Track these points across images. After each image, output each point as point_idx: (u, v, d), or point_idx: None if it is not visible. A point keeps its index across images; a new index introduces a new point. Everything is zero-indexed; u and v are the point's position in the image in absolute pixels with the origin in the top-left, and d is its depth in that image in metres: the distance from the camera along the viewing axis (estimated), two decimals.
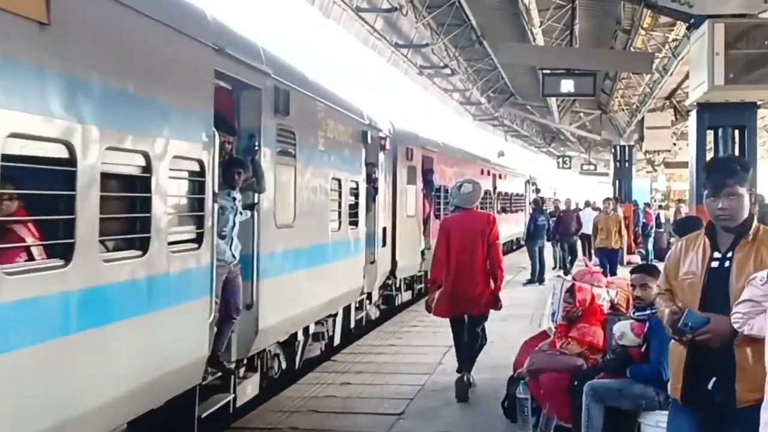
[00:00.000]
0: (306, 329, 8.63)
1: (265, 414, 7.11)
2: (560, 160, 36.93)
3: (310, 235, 8.13)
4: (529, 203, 26.91)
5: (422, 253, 14.95)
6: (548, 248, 19.59)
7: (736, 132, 7.33)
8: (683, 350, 3.56)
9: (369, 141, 10.69)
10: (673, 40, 14.50)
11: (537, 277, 17.36)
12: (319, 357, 9.49)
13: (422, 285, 15.20)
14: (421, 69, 20.02)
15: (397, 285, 13.89)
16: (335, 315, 9.79)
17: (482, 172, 21.44)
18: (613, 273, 13.87)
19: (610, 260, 15.33)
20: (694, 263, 3.56)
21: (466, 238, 7.49)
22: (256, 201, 6.74)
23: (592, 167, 38.00)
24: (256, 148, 6.64)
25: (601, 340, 6.10)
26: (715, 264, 3.50)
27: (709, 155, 7.67)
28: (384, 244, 12.26)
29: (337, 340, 9.94)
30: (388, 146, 12.07)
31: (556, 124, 25.78)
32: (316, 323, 8.99)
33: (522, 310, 12.33)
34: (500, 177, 25.15)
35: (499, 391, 6.86)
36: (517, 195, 29.40)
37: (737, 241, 3.49)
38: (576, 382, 5.60)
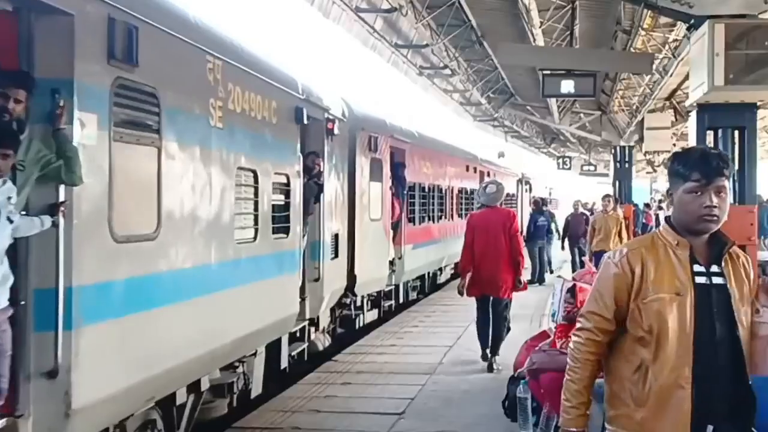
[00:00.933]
0: (195, 385, 5.99)
1: (266, 414, 7.13)
2: (560, 160, 36.94)
3: (193, 250, 5.66)
4: (529, 203, 26.12)
5: (392, 263, 12.76)
6: (557, 248, 19.42)
7: (736, 133, 7.33)
8: (684, 395, 2.71)
9: (306, 122, 8.05)
10: (673, 41, 14.51)
11: (537, 277, 17.38)
12: (320, 356, 9.48)
13: (393, 301, 13.29)
14: (420, 69, 20.02)
15: (358, 303, 11.24)
16: (256, 354, 7.35)
17: (468, 169, 19.77)
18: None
19: None
20: (675, 278, 2.76)
21: (489, 231, 8.78)
22: (61, 199, 4.31)
23: (592, 168, 38.01)
24: (59, 111, 4.24)
25: None
26: (700, 279, 2.78)
27: None
28: (335, 256, 9.56)
29: (257, 390, 7.43)
30: (337, 131, 9.41)
31: (556, 125, 25.78)
32: (223, 369, 6.63)
33: (522, 311, 12.34)
34: (489, 175, 22.49)
35: (500, 390, 6.87)
36: (508, 195, 28.00)
37: (720, 251, 2.85)
38: None
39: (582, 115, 24.89)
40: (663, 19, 13.18)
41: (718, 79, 6.66)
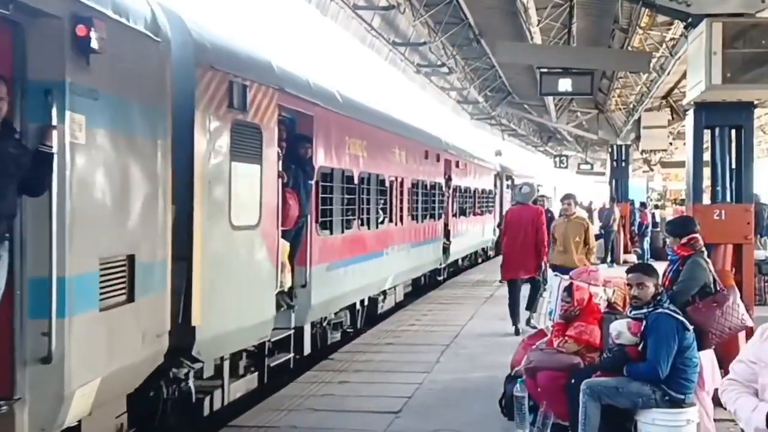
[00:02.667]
0: None
1: (263, 412, 7.12)
2: (557, 159, 36.97)
3: None
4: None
5: (290, 295, 8.31)
6: None
7: (733, 131, 7.34)
8: None
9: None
10: (671, 40, 14.52)
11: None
12: (316, 356, 9.49)
13: (292, 354, 8.46)
14: (418, 67, 20.01)
15: (211, 371, 6.67)
16: None
17: (427, 156, 15.29)
18: None
19: None
20: None
21: (521, 224, 10.78)
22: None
23: (588, 167, 38.05)
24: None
25: (598, 338, 6.12)
26: None
27: (706, 155, 7.69)
28: (126, 297, 5.00)
29: None
30: (125, 51, 4.98)
31: (554, 123, 25.80)
32: None
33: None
34: (457, 166, 18.65)
35: (497, 389, 6.87)
36: (483, 192, 23.00)
37: None
38: (573, 381, 5.61)
39: (579, 113, 24.91)
40: (660, 18, 13.18)
41: (716, 77, 6.66)
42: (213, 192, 6.49)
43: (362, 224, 10.99)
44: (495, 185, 25.43)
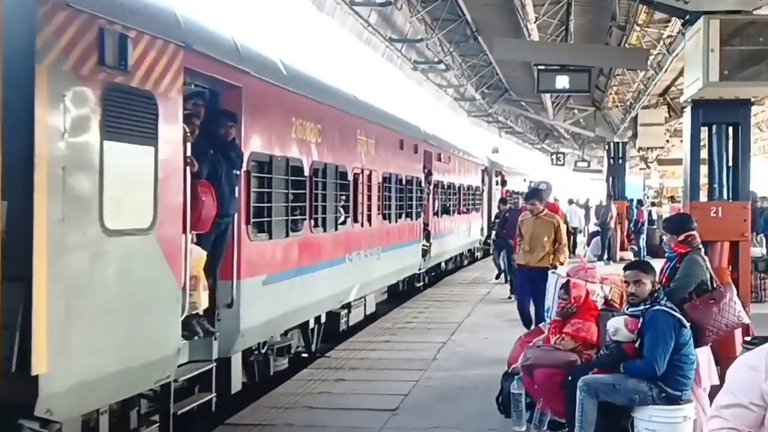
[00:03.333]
0: None
1: (260, 410, 7.11)
2: (554, 156, 36.99)
3: None
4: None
5: (211, 317, 6.60)
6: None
7: (730, 129, 7.34)
8: None
9: None
10: (668, 37, 14.52)
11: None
12: (313, 354, 9.48)
13: (214, 394, 6.52)
14: (415, 64, 20.00)
15: None
16: None
17: (402, 147, 13.32)
18: (539, 319, 8.41)
19: (533, 287, 9.03)
20: None
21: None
22: None
23: (585, 164, 38.07)
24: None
25: (595, 335, 6.12)
26: None
27: (703, 152, 7.68)
28: None
29: None
30: None
31: (551, 121, 25.81)
32: None
33: (516, 307, 12.35)
34: (439, 159, 16.98)
35: (494, 386, 6.87)
36: (470, 189, 21.12)
37: None
38: (570, 378, 5.61)
39: (576, 111, 24.92)
40: (658, 15, 13.18)
41: (713, 75, 6.65)
42: (70, 183, 4.65)
43: (316, 226, 8.96)
44: (483, 182, 23.46)
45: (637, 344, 5.46)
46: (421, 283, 16.15)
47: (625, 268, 5.73)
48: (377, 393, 7.66)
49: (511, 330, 10.40)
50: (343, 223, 10.14)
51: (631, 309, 5.57)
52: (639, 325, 5.44)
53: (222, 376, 6.77)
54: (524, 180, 32.20)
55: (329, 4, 14.87)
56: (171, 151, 5.59)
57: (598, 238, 21.21)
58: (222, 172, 6.50)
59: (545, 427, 6.12)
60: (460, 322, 11.89)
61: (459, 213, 19.60)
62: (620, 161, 23.91)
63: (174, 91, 5.63)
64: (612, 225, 20.82)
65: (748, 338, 6.02)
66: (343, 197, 10.19)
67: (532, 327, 8.45)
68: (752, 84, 6.91)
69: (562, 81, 12.68)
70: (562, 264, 9.09)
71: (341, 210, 10.11)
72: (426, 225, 15.82)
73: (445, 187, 17.99)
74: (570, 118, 25.38)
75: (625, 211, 22.40)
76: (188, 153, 5.86)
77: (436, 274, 17.91)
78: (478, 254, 23.30)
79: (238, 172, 6.74)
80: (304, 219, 8.59)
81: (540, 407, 6.11)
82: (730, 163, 7.36)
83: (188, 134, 5.88)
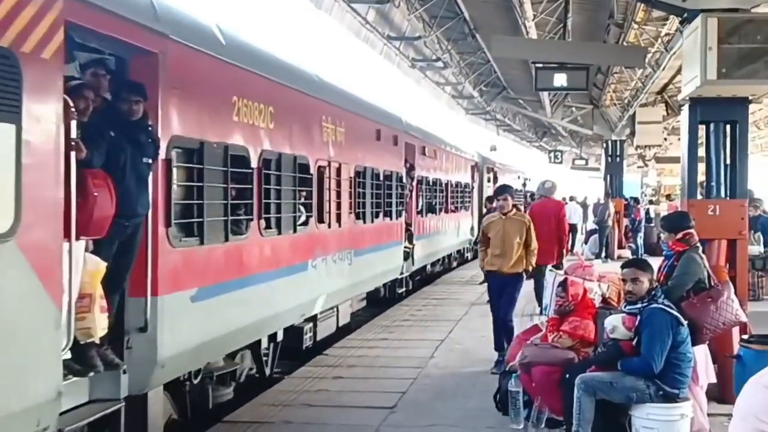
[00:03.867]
0: None
1: (258, 408, 7.11)
2: (552, 154, 36.99)
3: None
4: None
5: (116, 348, 5.30)
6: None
7: (728, 127, 7.35)
8: None
9: None
10: (666, 35, 14.52)
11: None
12: (311, 351, 9.49)
13: None
14: (413, 62, 19.98)
15: None
16: None
17: (378, 137, 11.76)
18: (508, 338, 8.06)
19: (501, 294, 8.48)
20: None
21: (546, 216, 11.32)
22: None
23: (583, 162, 38.09)
24: None
25: (593, 333, 6.13)
26: None
27: (701, 150, 7.69)
28: None
29: None
30: None
31: (548, 119, 25.82)
32: None
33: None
34: (424, 153, 15.58)
35: (491, 384, 6.87)
36: (458, 186, 19.59)
37: None
38: (567, 375, 5.62)
39: (574, 108, 24.93)
40: (656, 13, 13.19)
41: (711, 73, 6.66)
42: None
43: (267, 227, 7.50)
44: (473, 178, 21.92)
45: (634, 342, 5.47)
46: (404, 289, 14.64)
47: (623, 266, 5.74)
48: (375, 390, 7.67)
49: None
50: (305, 224, 8.53)
51: (628, 307, 5.57)
52: (636, 323, 5.45)
53: (139, 416, 5.50)
54: (518, 177, 30.71)
55: (327, 2, 14.85)
56: (43, 131, 4.21)
57: (596, 236, 21.23)
58: (125, 160, 5.12)
59: (543, 425, 6.13)
60: (458, 319, 11.89)
61: (446, 212, 18.19)
62: (618, 159, 23.93)
63: (48, 52, 4.22)
64: (610, 223, 20.83)
65: (745, 336, 6.03)
66: (304, 194, 8.54)
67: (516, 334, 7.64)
68: (750, 82, 6.92)
69: (560, 79, 12.68)
70: (533, 267, 8.68)
71: (301, 209, 8.51)
72: (408, 225, 14.35)
73: (431, 183, 16.42)
74: (568, 115, 25.39)
75: (623, 209, 22.42)
76: (74, 134, 4.52)
77: (421, 278, 16.53)
78: (468, 255, 21.73)
79: (150, 161, 5.32)
80: (251, 219, 7.06)
81: (538, 405, 6.11)
82: (728, 161, 7.37)
83: (74, 110, 4.53)
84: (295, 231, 8.24)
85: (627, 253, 20.13)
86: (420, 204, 15.49)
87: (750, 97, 7.41)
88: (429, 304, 13.70)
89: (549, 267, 9.28)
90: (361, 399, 7.36)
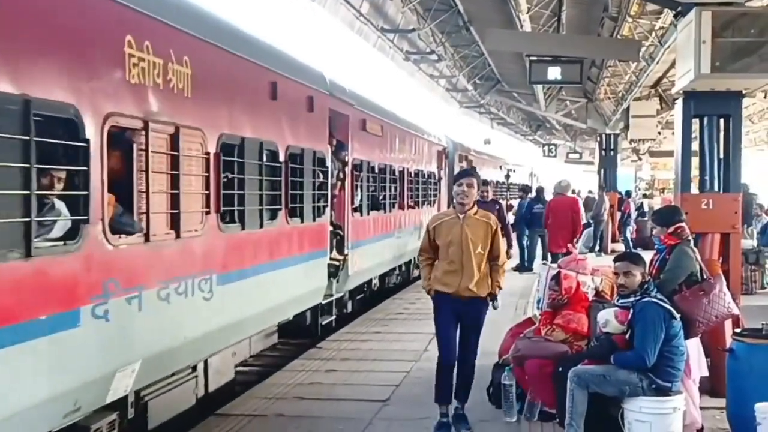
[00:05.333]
0: None
1: (251, 400, 7.10)
2: (546, 148, 37.02)
3: None
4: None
5: None
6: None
7: (722, 121, 7.35)
8: None
9: None
10: (660, 28, 14.52)
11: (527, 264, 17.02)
12: (304, 344, 9.47)
13: None
14: (407, 55, 19.93)
15: None
16: None
17: (274, 95, 7.71)
18: (466, 383, 6.21)
19: (457, 326, 6.17)
20: None
21: (562, 210, 13.42)
22: None
23: (577, 156, 38.14)
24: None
25: (586, 326, 6.14)
26: None
27: (695, 144, 7.70)
28: None
29: None
30: None
31: (542, 112, 25.81)
32: None
33: (508, 298, 12.34)
34: (364, 128, 11.64)
35: (484, 377, 6.87)
36: (418, 175, 15.64)
37: None
38: (560, 369, 5.62)
39: (568, 102, 24.93)
40: (650, 6, 13.18)
41: (705, 66, 6.65)
42: None
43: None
44: (441, 167, 18.18)
45: (627, 336, 5.47)
46: (333, 317, 10.43)
47: (615, 260, 5.74)
48: (368, 384, 7.67)
49: (503, 321, 10.39)
50: (70, 238, 4.58)
51: (621, 300, 5.58)
52: (629, 317, 5.45)
53: None
54: (500, 168, 26.99)
55: None
56: None
57: (590, 229, 21.24)
58: None
59: (536, 418, 6.14)
60: None
61: (402, 208, 14.24)
62: (612, 153, 23.93)
63: None
64: (605, 217, 20.85)
65: (738, 330, 6.05)
66: (77, 180, 4.66)
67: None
68: (744, 76, 6.92)
69: (554, 72, 12.67)
70: (501, 289, 6.12)
71: (59, 208, 4.57)
72: (338, 228, 10.39)
73: (376, 170, 12.31)
74: (562, 109, 25.39)
75: (617, 203, 22.44)
76: None
77: (364, 297, 12.57)
78: None
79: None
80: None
81: (530, 398, 6.13)
82: (722, 155, 7.37)
83: None
84: (51, 254, 4.42)
85: (621, 247, 20.15)
86: (358, 199, 11.33)
87: (744, 91, 7.42)
88: (422, 297, 13.64)
89: (543, 262, 9.40)
90: (354, 392, 7.36)
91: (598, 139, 24.75)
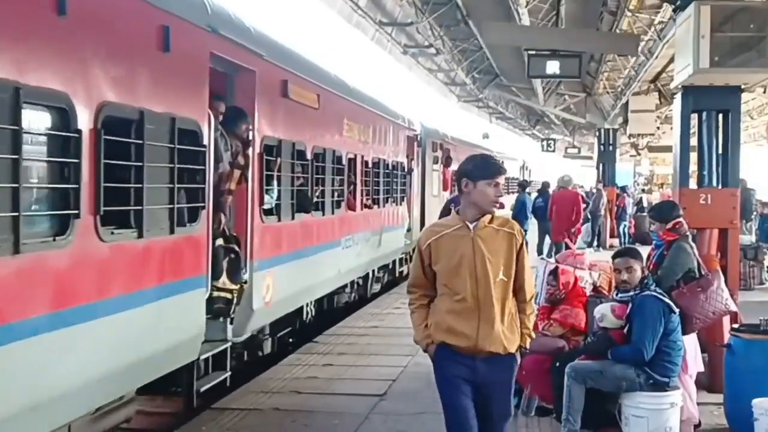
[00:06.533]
0: None
1: (247, 395, 7.08)
2: (544, 143, 36.97)
3: None
4: (452, 185, 17.66)
5: None
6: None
7: (720, 116, 7.34)
8: None
9: None
10: (659, 23, 14.47)
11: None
12: (300, 339, 9.46)
13: None
14: (405, 48, 19.87)
15: None
16: None
17: (163, 44, 5.33)
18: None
19: (477, 394, 4.08)
20: None
21: (566, 203, 15.08)
22: None
23: (576, 150, 38.09)
24: None
25: (583, 322, 6.12)
26: None
27: (693, 139, 7.68)
28: None
29: None
30: None
31: (541, 107, 25.77)
32: None
33: None
34: (286, 95, 8.01)
35: None
36: (378, 166, 12.37)
37: None
38: (558, 364, 5.61)
39: (567, 97, 24.88)
40: (649, 1, 13.14)
41: (704, 61, 6.64)
42: None
43: None
44: (412, 156, 15.23)
45: (625, 330, 5.46)
46: (227, 374, 6.89)
47: (614, 256, 5.71)
48: (365, 378, 7.65)
49: None
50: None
51: (620, 295, 5.56)
52: (628, 311, 5.43)
53: None
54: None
55: None
56: None
57: (588, 224, 21.22)
58: None
59: (533, 413, 6.13)
60: None
61: (352, 208, 10.90)
62: (611, 148, 23.91)
63: None
64: (603, 212, 20.85)
65: (736, 326, 6.04)
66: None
67: None
68: (743, 71, 6.91)
69: (552, 66, 12.64)
70: (532, 339, 4.23)
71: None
72: (233, 241, 6.92)
73: (307, 156, 8.73)
74: (560, 104, 25.34)
75: (615, 198, 22.44)
76: None
77: (298, 328, 9.24)
78: (405, 268, 14.41)
79: None
80: None
81: (528, 393, 6.11)
82: (720, 151, 7.36)
83: None
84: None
85: (617, 242, 20.16)
86: (272, 196, 7.91)
87: (742, 86, 7.40)
88: None
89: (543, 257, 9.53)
90: (350, 386, 7.34)
91: (597, 133, 24.73)
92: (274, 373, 7.85)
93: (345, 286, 11.22)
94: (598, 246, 20.20)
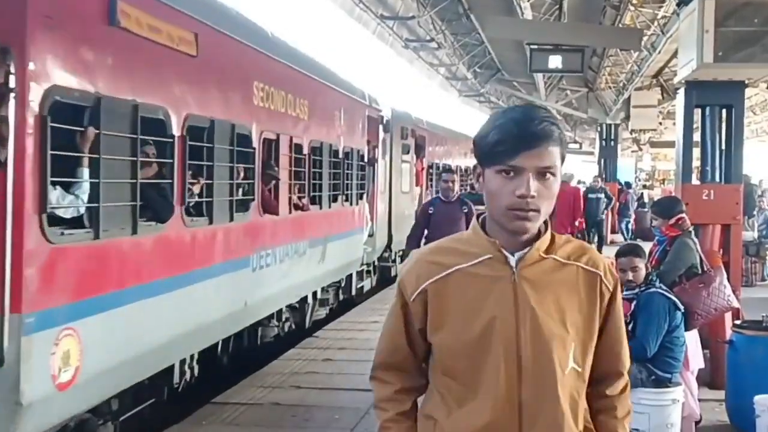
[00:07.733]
0: None
1: (246, 389, 7.07)
2: None
3: None
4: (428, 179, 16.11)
5: None
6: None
7: (723, 111, 7.30)
8: None
9: None
10: (662, 17, 14.40)
11: None
12: (300, 333, 9.44)
13: None
14: (406, 42, 19.80)
15: None
16: None
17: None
18: None
19: None
20: None
21: (566, 198, 14.28)
22: None
23: (577, 146, 38.01)
24: None
25: None
26: None
27: (696, 135, 7.64)
28: None
29: None
30: None
31: (543, 102, 25.69)
32: None
33: None
34: (194, 54, 5.68)
35: None
36: (320, 152, 9.11)
37: None
38: None
39: (569, 91, 24.83)
40: None
41: (707, 56, 6.59)
42: None
43: None
44: (375, 144, 12.60)
45: (630, 327, 5.42)
46: None
47: (617, 255, 5.66)
48: (365, 373, 7.45)
49: None
50: None
51: (626, 292, 5.51)
52: (632, 309, 5.40)
53: None
54: (465, 155, 20.23)
55: None
56: None
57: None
58: None
59: None
60: None
61: (271, 211, 7.71)
62: (612, 143, 23.86)
63: None
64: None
65: (738, 322, 6.01)
66: None
67: None
68: (746, 66, 6.85)
69: (554, 61, 12.58)
70: None
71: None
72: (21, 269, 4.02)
73: (169, 130, 5.49)
74: (562, 99, 25.29)
75: (617, 193, 22.39)
76: None
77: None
78: (365, 283, 12.56)
79: None
80: None
81: None
82: (723, 146, 7.32)
83: None
84: None
85: (620, 238, 20.11)
86: (75, 194, 4.55)
87: (746, 81, 7.36)
88: None
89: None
90: (350, 381, 7.32)
91: (599, 129, 24.67)
92: (273, 368, 7.83)
93: (271, 316, 8.16)
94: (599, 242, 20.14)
